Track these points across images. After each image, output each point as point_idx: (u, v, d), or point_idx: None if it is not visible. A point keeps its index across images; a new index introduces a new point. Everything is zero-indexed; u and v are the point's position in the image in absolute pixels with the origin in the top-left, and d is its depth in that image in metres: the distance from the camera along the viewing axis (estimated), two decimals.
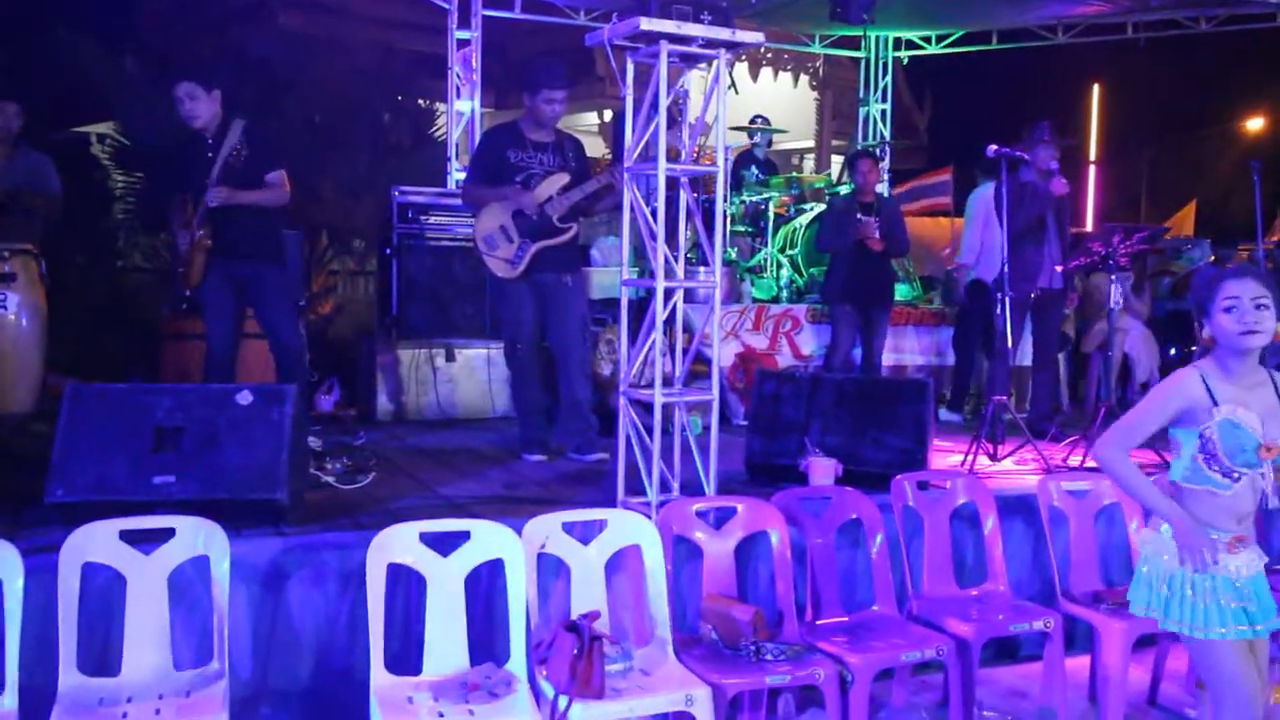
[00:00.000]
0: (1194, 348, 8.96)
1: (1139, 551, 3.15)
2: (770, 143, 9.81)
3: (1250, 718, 2.93)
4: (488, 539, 3.51)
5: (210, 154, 5.17)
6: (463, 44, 9.64)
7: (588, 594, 3.60)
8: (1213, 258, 9.78)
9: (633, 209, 4.19)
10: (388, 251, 7.23)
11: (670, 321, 4.24)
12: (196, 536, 3.31)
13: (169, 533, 3.31)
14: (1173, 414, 2.97)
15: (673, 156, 4.18)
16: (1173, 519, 2.98)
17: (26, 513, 3.82)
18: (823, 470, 4.68)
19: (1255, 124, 19.72)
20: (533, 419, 5.60)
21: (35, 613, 3.13)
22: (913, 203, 10.68)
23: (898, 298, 7.70)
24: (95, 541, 3.21)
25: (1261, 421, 2.91)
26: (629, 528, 3.74)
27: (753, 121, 9.44)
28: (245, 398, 3.97)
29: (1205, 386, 2.93)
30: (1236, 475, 2.94)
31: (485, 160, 5.54)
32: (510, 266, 5.38)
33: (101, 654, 3.23)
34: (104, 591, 3.26)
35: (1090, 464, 5.43)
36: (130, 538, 3.27)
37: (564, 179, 5.42)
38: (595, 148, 13.22)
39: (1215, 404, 2.91)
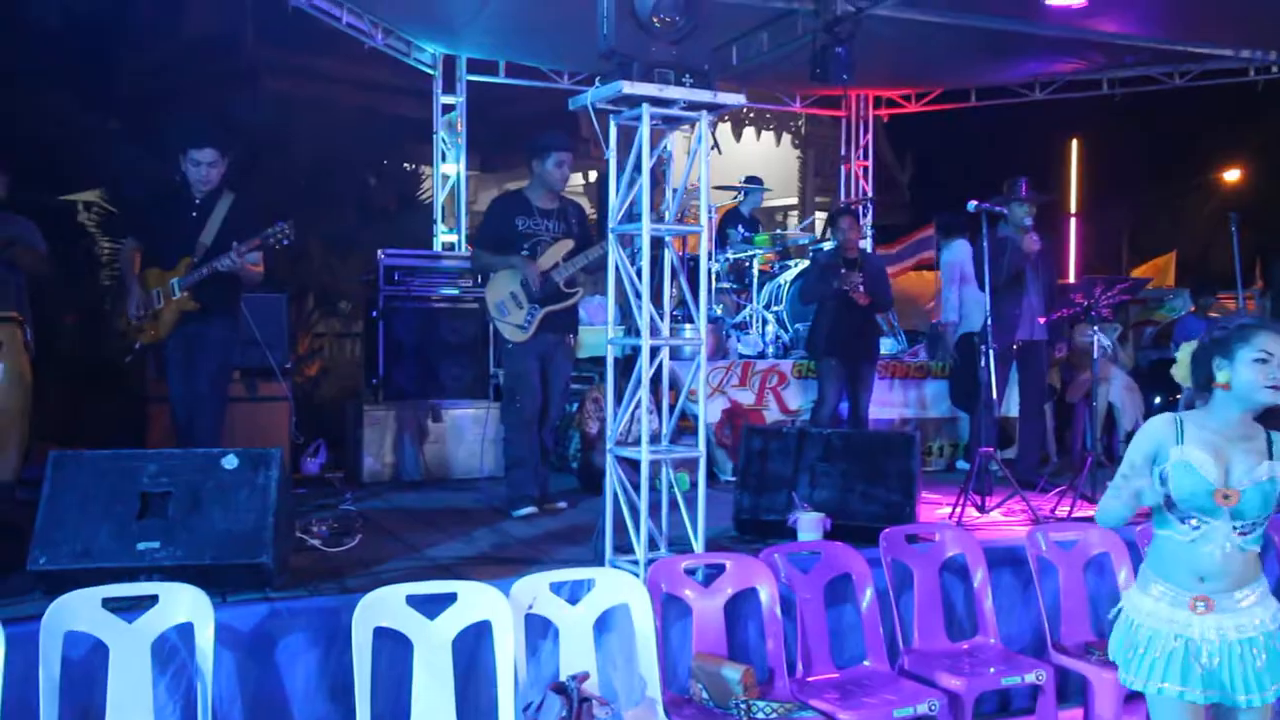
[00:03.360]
0: (1178, 396, 9.05)
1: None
2: (761, 201, 9.90)
3: None
4: (475, 600, 3.49)
5: (194, 213, 5.23)
6: (447, 108, 9.76)
7: (576, 654, 3.58)
8: (1193, 308, 9.87)
9: (617, 268, 4.22)
10: (374, 314, 7.25)
11: (656, 379, 4.25)
12: (180, 603, 3.29)
13: (152, 599, 3.28)
14: (1147, 454, 2.86)
15: (657, 216, 4.21)
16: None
17: (9, 581, 3.78)
18: (811, 525, 4.67)
19: (1231, 175, 19.99)
20: (522, 473, 5.63)
21: (17, 682, 3.08)
22: (903, 261, 10.80)
23: (883, 352, 7.74)
24: (77, 610, 3.19)
25: (1228, 471, 2.78)
26: (617, 586, 3.73)
27: (746, 181, 9.50)
28: (231, 462, 3.95)
29: (1178, 427, 2.84)
30: (1195, 523, 2.80)
31: (494, 228, 5.71)
32: (521, 331, 5.54)
33: None
34: (86, 660, 3.22)
35: (1079, 514, 5.44)
36: (113, 605, 3.24)
37: (568, 245, 5.62)
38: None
39: (1179, 444, 2.82)
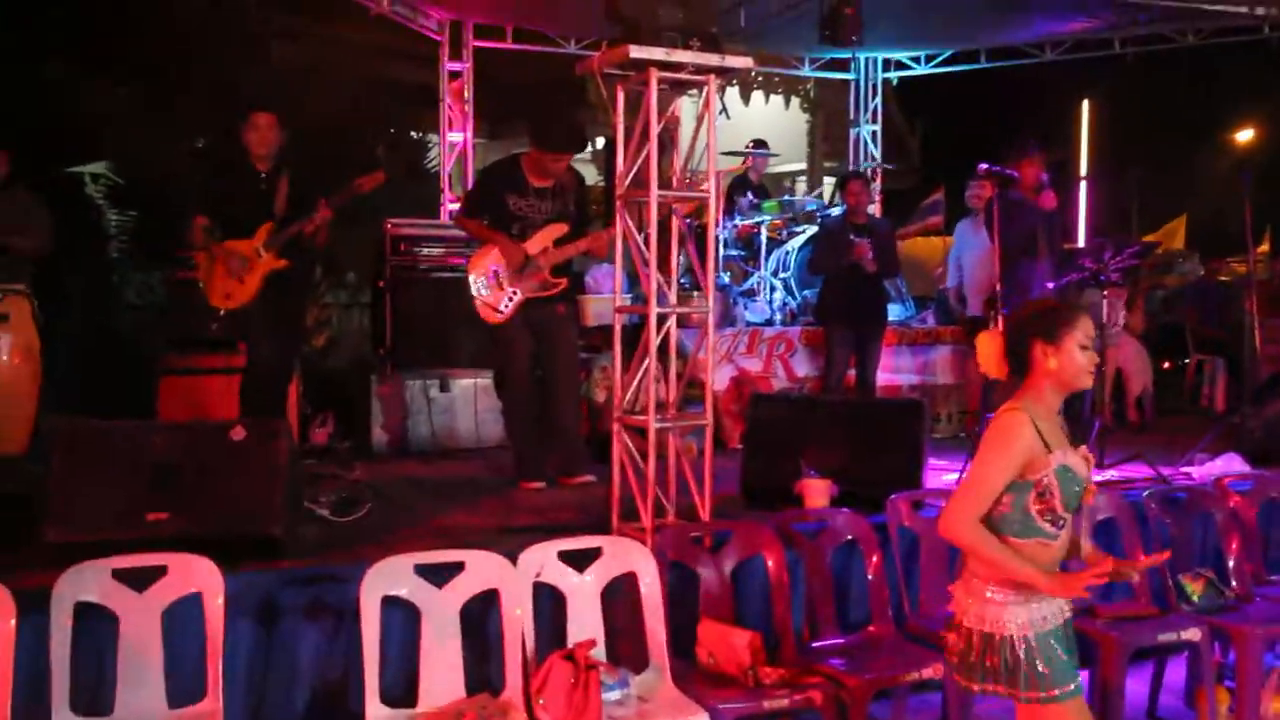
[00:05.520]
0: (1187, 360, 9.01)
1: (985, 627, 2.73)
2: (764, 165, 9.83)
3: None
4: (483, 569, 3.50)
5: (262, 186, 5.31)
6: (454, 75, 9.70)
7: (584, 622, 3.59)
8: (1203, 271, 9.80)
9: (625, 236, 4.20)
10: (381, 284, 7.23)
11: (664, 347, 4.24)
12: (190, 573, 3.31)
13: (162, 570, 3.30)
14: (1019, 466, 2.69)
15: (665, 183, 4.18)
16: (1039, 581, 2.64)
17: (20, 553, 3.80)
18: (818, 492, 4.67)
19: (1244, 136, 19.79)
20: (528, 448, 5.57)
21: (28, 653, 3.12)
22: (908, 225, 10.72)
23: (891, 318, 7.71)
24: (87, 581, 3.21)
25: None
26: (624, 554, 3.74)
27: (751, 145, 9.42)
28: (239, 433, 3.97)
29: (1036, 431, 2.70)
30: (1062, 523, 2.72)
31: (484, 200, 5.55)
32: (496, 314, 5.39)
33: (94, 693, 3.21)
34: (97, 630, 3.25)
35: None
36: (123, 576, 3.26)
37: (560, 230, 5.39)
38: (588, 175, 13.26)
39: (1048, 449, 2.69)
